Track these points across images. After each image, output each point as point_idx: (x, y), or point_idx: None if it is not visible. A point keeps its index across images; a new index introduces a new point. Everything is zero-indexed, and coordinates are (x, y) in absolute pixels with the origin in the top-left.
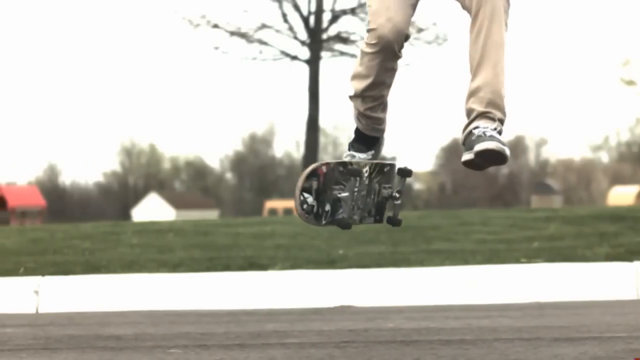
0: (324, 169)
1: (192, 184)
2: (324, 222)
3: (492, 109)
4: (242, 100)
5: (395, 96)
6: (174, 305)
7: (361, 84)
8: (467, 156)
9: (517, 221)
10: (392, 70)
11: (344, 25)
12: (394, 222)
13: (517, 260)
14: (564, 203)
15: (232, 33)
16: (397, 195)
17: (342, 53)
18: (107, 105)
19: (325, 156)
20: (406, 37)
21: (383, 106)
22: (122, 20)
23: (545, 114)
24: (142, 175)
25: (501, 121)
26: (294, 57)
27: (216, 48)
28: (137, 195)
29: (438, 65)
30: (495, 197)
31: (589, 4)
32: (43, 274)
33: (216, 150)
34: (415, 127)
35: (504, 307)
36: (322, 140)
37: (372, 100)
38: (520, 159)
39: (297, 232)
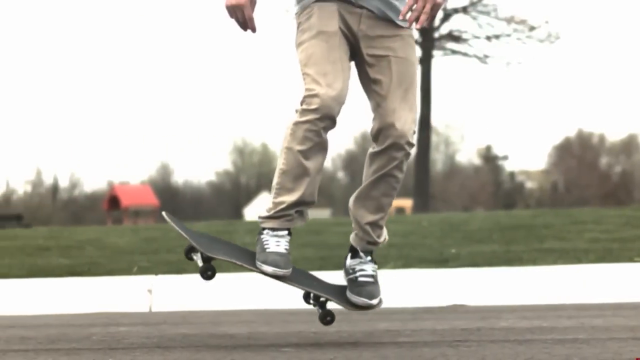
0: None
1: None
2: None
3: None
4: (353, 99)
5: (508, 95)
6: (287, 304)
7: (296, 190)
8: (355, 298)
9: (630, 220)
10: (325, 151)
11: (456, 23)
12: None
13: (630, 259)
14: None
15: None
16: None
17: (453, 52)
18: (219, 105)
19: (437, 155)
20: None
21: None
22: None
23: None
24: (254, 174)
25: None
26: None
27: None
28: (249, 194)
29: (550, 64)
30: (608, 195)
31: None
32: (156, 273)
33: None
34: (527, 126)
35: (617, 306)
36: (434, 139)
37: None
38: (634, 157)
39: (409, 230)
